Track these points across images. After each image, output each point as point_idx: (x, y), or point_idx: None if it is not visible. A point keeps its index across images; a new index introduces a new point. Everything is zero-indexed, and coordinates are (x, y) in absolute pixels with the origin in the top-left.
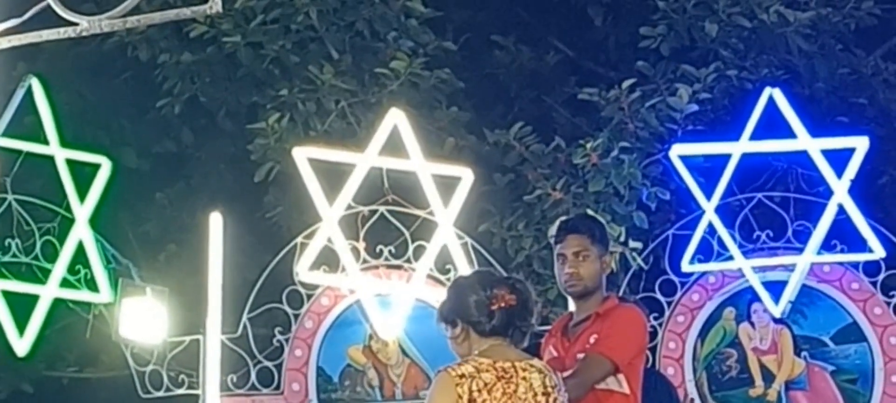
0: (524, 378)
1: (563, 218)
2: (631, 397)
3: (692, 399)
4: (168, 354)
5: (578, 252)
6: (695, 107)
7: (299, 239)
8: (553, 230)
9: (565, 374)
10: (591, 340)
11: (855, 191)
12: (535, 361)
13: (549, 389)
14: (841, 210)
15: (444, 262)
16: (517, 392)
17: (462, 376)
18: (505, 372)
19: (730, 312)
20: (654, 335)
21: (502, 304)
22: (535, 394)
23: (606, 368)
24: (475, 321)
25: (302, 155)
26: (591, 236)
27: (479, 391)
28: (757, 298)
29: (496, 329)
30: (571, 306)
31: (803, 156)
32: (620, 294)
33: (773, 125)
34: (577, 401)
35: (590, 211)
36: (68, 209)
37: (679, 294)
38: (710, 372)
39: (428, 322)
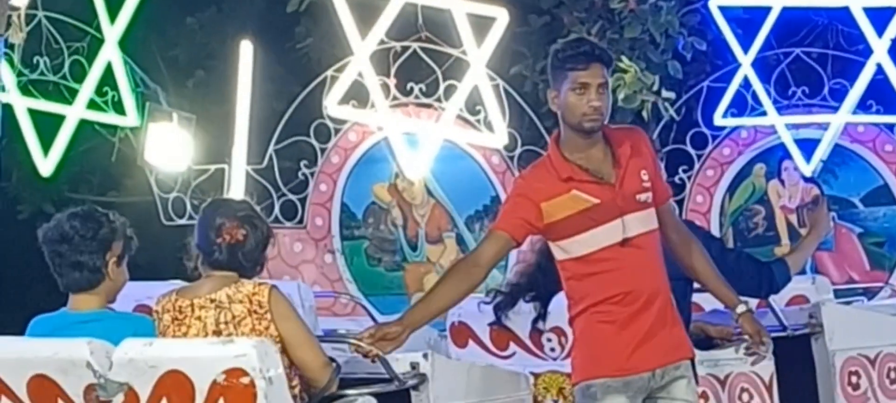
0: None
1: (575, 39)
2: None
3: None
4: (192, 182)
5: (603, 84)
6: None
7: (329, 73)
8: (562, 51)
9: (675, 229)
10: (643, 176)
11: (895, 51)
12: None
13: None
14: (879, 70)
15: (474, 103)
16: None
17: None
18: None
19: (760, 168)
20: (682, 187)
21: None
22: None
23: None
24: None
25: None
26: (612, 68)
27: None
28: (788, 155)
29: None
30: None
31: (844, 12)
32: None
33: None
34: None
35: (625, 58)
36: (98, 29)
37: (710, 147)
38: (737, 228)
39: (455, 162)
